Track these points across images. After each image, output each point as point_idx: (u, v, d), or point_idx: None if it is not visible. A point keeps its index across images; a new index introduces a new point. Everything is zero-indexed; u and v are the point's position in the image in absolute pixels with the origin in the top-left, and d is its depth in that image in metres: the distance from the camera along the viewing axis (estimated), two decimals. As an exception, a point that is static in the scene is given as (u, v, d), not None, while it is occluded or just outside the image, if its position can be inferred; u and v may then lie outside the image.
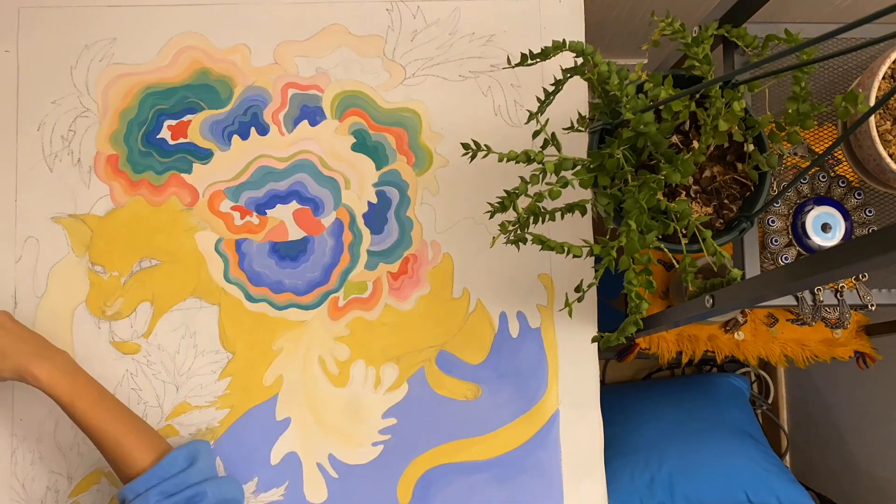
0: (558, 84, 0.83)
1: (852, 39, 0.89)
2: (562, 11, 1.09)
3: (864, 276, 0.94)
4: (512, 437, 1.04)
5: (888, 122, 0.86)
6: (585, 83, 0.82)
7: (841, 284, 0.93)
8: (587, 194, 0.85)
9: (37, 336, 0.95)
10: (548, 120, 0.81)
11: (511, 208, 0.81)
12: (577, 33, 1.09)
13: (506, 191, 0.80)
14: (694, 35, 0.80)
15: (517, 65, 0.82)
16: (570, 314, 0.80)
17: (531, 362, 1.06)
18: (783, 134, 0.79)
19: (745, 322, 1.28)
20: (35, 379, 0.88)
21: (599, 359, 1.07)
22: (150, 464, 0.88)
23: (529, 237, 0.79)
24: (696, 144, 0.81)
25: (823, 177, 0.98)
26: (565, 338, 1.06)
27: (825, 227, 0.95)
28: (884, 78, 0.83)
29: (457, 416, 1.04)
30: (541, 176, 0.78)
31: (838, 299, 0.93)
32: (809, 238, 0.95)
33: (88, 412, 0.88)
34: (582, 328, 1.06)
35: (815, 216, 0.95)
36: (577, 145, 0.97)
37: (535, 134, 0.82)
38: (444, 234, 1.06)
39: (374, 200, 1.06)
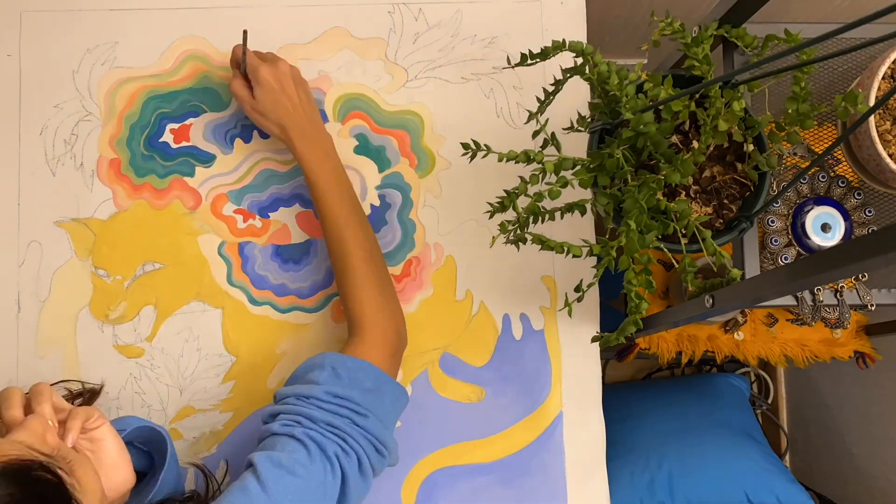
0: (558, 84, 0.83)
1: (852, 39, 0.89)
2: (564, 13, 1.09)
3: (863, 276, 0.94)
4: (516, 439, 1.05)
5: (888, 122, 0.86)
6: (586, 83, 0.82)
7: (841, 284, 0.93)
8: (587, 194, 0.85)
9: (312, 108, 1.00)
10: (547, 120, 0.81)
11: (511, 208, 0.81)
12: (579, 34, 1.09)
13: (505, 190, 0.81)
14: (694, 35, 0.81)
15: (517, 65, 0.83)
16: (569, 314, 0.80)
17: (535, 364, 1.06)
18: (783, 134, 0.79)
19: (745, 322, 1.28)
20: (295, 152, 0.97)
21: (600, 359, 1.07)
22: (372, 309, 0.93)
23: (529, 237, 0.80)
24: (695, 144, 0.81)
25: (823, 177, 0.99)
26: (568, 340, 1.06)
27: (825, 227, 0.96)
28: (883, 78, 0.83)
29: (460, 419, 1.04)
30: (540, 176, 0.78)
31: (838, 299, 0.93)
32: (809, 238, 0.96)
33: (326, 193, 0.96)
34: (584, 330, 1.07)
35: (815, 216, 0.96)
36: (577, 145, 0.97)
37: (535, 133, 0.82)
38: (447, 237, 1.07)
39: (377, 203, 1.07)
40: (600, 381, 1.07)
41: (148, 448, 0.88)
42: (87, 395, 0.96)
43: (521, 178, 0.79)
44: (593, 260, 0.81)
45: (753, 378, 1.95)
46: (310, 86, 1.03)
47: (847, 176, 0.98)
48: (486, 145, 0.80)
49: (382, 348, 0.92)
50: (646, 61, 1.21)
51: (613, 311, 1.41)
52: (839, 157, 0.98)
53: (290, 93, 0.96)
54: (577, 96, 1.04)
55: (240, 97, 0.97)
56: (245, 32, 0.97)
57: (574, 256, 0.77)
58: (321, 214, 0.96)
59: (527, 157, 0.78)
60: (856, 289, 0.93)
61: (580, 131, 0.86)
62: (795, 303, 0.94)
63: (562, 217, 0.82)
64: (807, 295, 0.94)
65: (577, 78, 0.81)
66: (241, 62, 0.97)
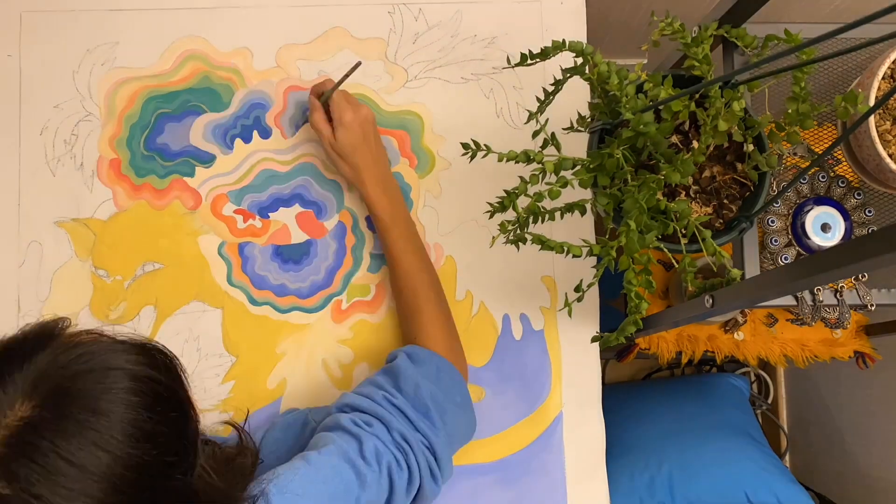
0: (558, 84, 0.83)
1: (852, 39, 0.89)
2: (564, 13, 1.10)
3: (863, 276, 0.94)
4: (516, 439, 1.05)
5: (888, 122, 0.86)
6: (586, 83, 0.82)
7: (840, 284, 0.93)
8: (587, 194, 0.85)
9: (385, 157, 1.03)
10: (547, 120, 0.81)
11: (511, 208, 0.81)
12: (579, 34, 1.09)
13: (505, 190, 0.81)
14: (693, 35, 0.81)
15: (517, 65, 0.83)
16: (569, 314, 0.80)
17: (534, 364, 1.06)
18: (783, 134, 0.79)
19: (745, 322, 1.28)
20: (368, 197, 0.99)
21: (600, 359, 1.07)
22: (442, 347, 0.95)
23: (529, 237, 0.80)
24: (695, 144, 0.81)
25: (823, 177, 0.99)
26: (568, 340, 1.06)
27: (825, 227, 0.96)
28: (883, 78, 0.83)
29: (460, 419, 1.04)
30: (540, 176, 0.78)
31: (838, 299, 0.93)
32: (809, 238, 0.96)
33: (399, 240, 0.99)
34: (584, 330, 1.07)
35: (815, 216, 0.96)
36: (577, 145, 0.97)
37: (535, 134, 0.82)
38: (447, 237, 1.07)
39: (377, 203, 1.06)
40: (600, 381, 1.07)
41: None
42: None
43: (521, 178, 0.79)
44: (593, 260, 0.81)
45: (753, 378, 1.95)
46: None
47: (847, 176, 0.98)
48: (485, 145, 0.80)
49: None
50: (646, 61, 1.21)
51: (613, 311, 1.41)
52: (839, 157, 0.98)
53: (370, 141, 0.99)
54: (577, 96, 1.04)
55: (321, 133, 0.98)
56: (357, 65, 0.98)
57: (574, 256, 0.77)
58: (392, 259, 0.99)
59: (527, 157, 0.78)
60: (856, 289, 0.93)
61: (580, 131, 0.86)
62: (795, 303, 0.94)
63: (562, 217, 0.82)
64: (807, 295, 0.94)
65: (577, 78, 0.81)
66: (322, 94, 0.99)
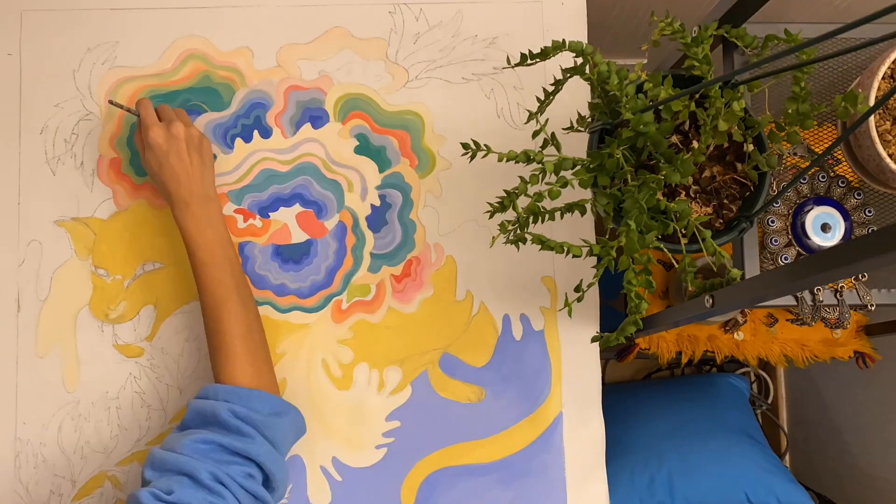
0: (558, 84, 0.83)
1: (852, 39, 0.89)
2: (565, 13, 1.10)
3: (863, 276, 0.94)
4: (516, 439, 1.05)
5: (888, 122, 0.86)
6: (586, 83, 0.82)
7: (840, 284, 0.93)
8: (587, 194, 0.85)
9: (205, 175, 0.97)
10: (547, 120, 0.81)
11: (511, 208, 0.81)
12: (579, 35, 1.09)
13: (505, 190, 0.81)
14: (694, 35, 0.81)
15: (517, 65, 0.83)
16: (569, 314, 0.80)
17: (535, 365, 1.06)
18: (783, 134, 0.79)
19: (745, 322, 1.28)
20: (173, 215, 0.95)
21: (600, 359, 1.07)
22: (247, 383, 0.89)
23: (529, 237, 0.80)
24: (695, 144, 0.81)
25: (823, 177, 0.99)
26: (568, 340, 1.06)
27: (825, 227, 0.96)
28: (883, 78, 0.83)
29: (460, 419, 1.04)
30: (540, 176, 0.79)
31: (838, 299, 0.93)
32: (809, 238, 0.96)
33: (204, 265, 0.93)
34: (584, 330, 1.07)
35: (815, 216, 0.96)
36: (577, 145, 0.98)
37: (535, 134, 0.82)
38: (448, 237, 1.07)
39: (377, 203, 1.07)
40: (600, 381, 1.07)
41: None
42: None
43: (521, 178, 0.79)
44: (593, 260, 0.81)
45: (753, 378, 1.95)
46: (212, 149, 1.01)
47: (847, 176, 0.98)
48: (486, 145, 0.81)
49: None
50: (646, 61, 1.21)
51: (613, 311, 1.41)
52: (839, 157, 0.98)
53: (182, 156, 0.94)
54: (577, 96, 1.04)
55: (140, 150, 0.98)
56: (111, 102, 0.99)
57: (574, 256, 0.77)
58: (198, 285, 0.93)
59: (527, 157, 0.78)
60: (856, 289, 0.93)
61: (580, 131, 0.86)
62: (795, 303, 0.94)
63: (562, 217, 0.82)
64: (807, 295, 0.94)
65: (577, 78, 0.81)
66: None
